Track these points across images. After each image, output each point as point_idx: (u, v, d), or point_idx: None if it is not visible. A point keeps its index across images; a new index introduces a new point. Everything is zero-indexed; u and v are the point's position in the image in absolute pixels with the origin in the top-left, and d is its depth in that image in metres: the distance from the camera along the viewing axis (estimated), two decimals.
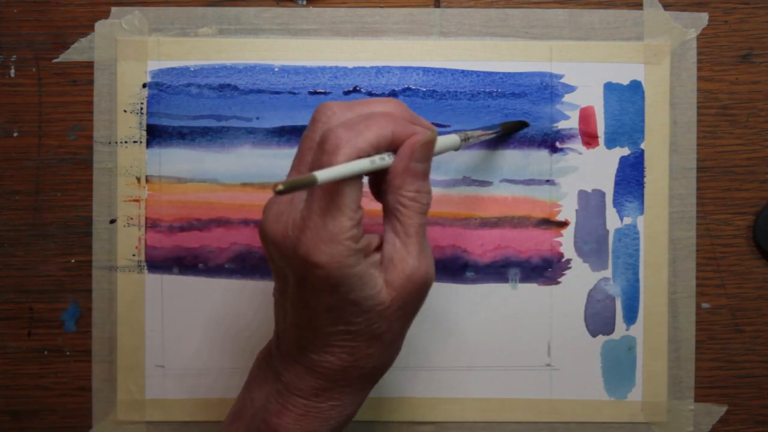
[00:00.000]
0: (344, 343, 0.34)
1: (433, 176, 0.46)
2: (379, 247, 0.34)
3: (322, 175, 0.29)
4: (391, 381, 0.46)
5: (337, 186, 0.31)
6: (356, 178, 0.32)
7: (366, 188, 0.34)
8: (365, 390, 0.37)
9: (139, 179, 0.46)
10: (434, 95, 0.47)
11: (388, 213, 0.34)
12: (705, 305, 0.47)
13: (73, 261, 0.47)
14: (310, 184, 0.29)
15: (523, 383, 0.47)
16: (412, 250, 0.33)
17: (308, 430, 0.35)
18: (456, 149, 0.38)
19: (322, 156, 0.31)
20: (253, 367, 0.38)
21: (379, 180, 0.35)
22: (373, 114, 0.33)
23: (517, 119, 0.46)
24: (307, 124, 0.34)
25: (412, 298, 0.34)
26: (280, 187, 0.28)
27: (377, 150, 0.32)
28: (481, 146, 0.47)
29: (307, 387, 0.35)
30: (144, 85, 0.46)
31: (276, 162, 0.46)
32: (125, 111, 0.46)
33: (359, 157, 0.31)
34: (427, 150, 0.33)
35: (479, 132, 0.41)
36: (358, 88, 0.46)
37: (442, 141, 0.37)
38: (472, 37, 0.47)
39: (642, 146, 0.47)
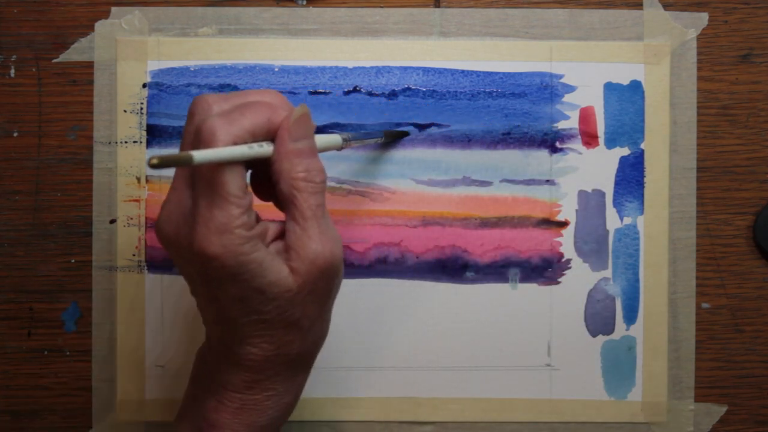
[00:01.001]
0: (262, 333, 0.34)
1: (433, 176, 0.46)
2: (283, 235, 0.34)
3: (199, 155, 0.29)
4: (390, 381, 0.46)
5: (218, 175, 0.31)
6: (237, 165, 0.32)
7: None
8: (298, 376, 0.37)
9: (139, 179, 0.46)
10: (434, 95, 0.47)
11: (284, 201, 0.34)
12: (705, 305, 0.47)
13: (73, 261, 0.47)
14: (186, 162, 0.29)
15: (523, 383, 0.47)
16: (312, 233, 0.33)
17: (247, 423, 0.35)
18: (338, 149, 0.39)
19: (199, 146, 0.31)
20: (193, 365, 0.38)
21: (262, 178, 0.35)
22: (249, 103, 0.33)
23: (401, 129, 0.47)
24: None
25: (321, 282, 0.34)
26: (155, 160, 0.28)
27: (254, 137, 0.32)
28: (481, 146, 0.47)
29: (238, 381, 0.35)
30: (144, 85, 0.46)
31: None
32: (125, 111, 0.46)
33: (236, 143, 0.31)
34: (303, 125, 0.33)
35: (362, 138, 0.42)
36: (358, 88, 0.46)
37: (325, 139, 0.37)
38: (472, 37, 0.47)
39: (642, 146, 0.47)
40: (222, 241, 0.31)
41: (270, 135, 0.33)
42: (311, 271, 0.33)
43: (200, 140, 0.31)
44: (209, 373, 0.36)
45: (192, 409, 0.37)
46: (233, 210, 0.31)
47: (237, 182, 0.31)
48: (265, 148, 0.33)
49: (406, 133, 0.46)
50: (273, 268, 0.32)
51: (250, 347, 0.34)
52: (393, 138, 0.46)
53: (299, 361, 0.36)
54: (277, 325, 0.34)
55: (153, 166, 0.27)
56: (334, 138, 0.38)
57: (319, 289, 0.34)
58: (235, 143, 0.31)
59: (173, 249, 0.33)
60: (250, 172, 0.36)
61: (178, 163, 0.29)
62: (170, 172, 0.46)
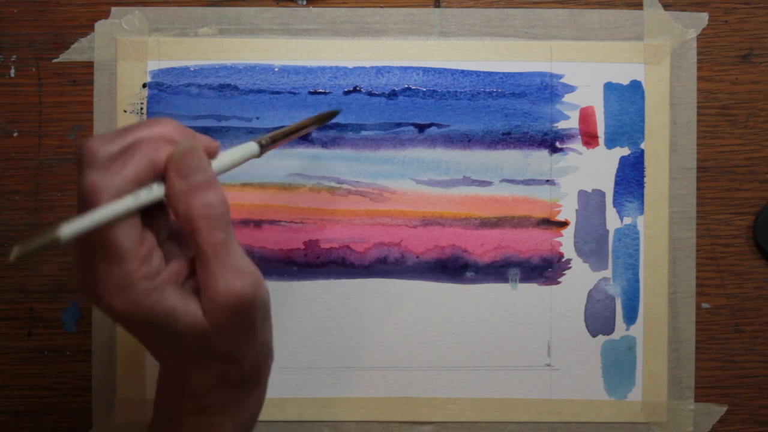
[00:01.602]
0: (195, 366, 0.33)
1: (433, 176, 0.46)
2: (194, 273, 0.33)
3: (67, 230, 0.27)
4: (390, 381, 0.46)
5: (107, 234, 0.29)
6: (128, 217, 0.30)
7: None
8: (250, 395, 0.36)
9: None
10: (434, 95, 0.47)
11: (188, 239, 0.32)
12: (705, 305, 0.47)
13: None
14: (54, 244, 0.27)
15: (523, 383, 0.47)
16: (216, 272, 0.31)
17: None
18: (257, 156, 0.36)
19: (85, 206, 0.30)
20: (155, 390, 0.38)
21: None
22: (134, 144, 0.31)
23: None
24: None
25: (237, 318, 0.32)
26: (15, 253, 0.26)
27: (141, 183, 0.31)
28: (481, 146, 0.47)
29: (190, 407, 0.34)
30: (144, 85, 0.46)
31: (276, 162, 0.46)
32: (125, 111, 0.46)
33: (121, 195, 0.30)
34: (191, 161, 0.31)
35: (286, 135, 0.39)
36: (358, 88, 0.46)
37: (238, 152, 0.35)
38: (472, 37, 0.47)
39: (642, 146, 0.47)
40: (126, 297, 0.30)
41: (159, 175, 0.31)
42: (223, 311, 0.32)
43: (85, 202, 0.30)
44: (164, 402, 0.36)
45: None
46: (130, 265, 0.30)
47: (129, 235, 0.30)
48: (154, 192, 0.31)
49: (336, 112, 0.44)
50: (185, 312, 0.31)
51: (192, 379, 0.34)
52: (323, 121, 0.44)
53: (245, 382, 0.35)
54: (208, 359, 0.33)
55: (13, 261, 0.26)
56: (249, 146, 0.35)
57: (238, 324, 0.32)
58: (120, 195, 0.30)
59: (84, 297, 0.32)
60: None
61: (44, 247, 0.27)
62: None
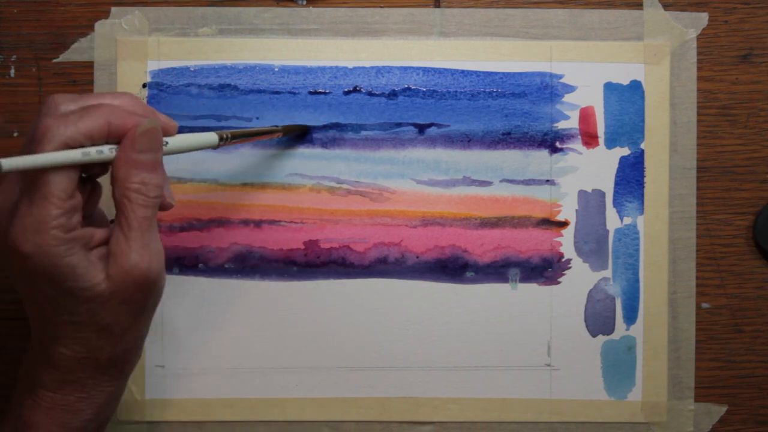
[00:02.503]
0: (72, 334, 0.34)
1: (433, 176, 0.46)
2: (108, 241, 0.34)
3: (8, 163, 0.29)
4: (391, 381, 0.46)
5: (42, 175, 0.31)
6: (67, 167, 0.31)
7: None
8: (111, 382, 0.37)
9: None
10: (434, 95, 0.47)
11: (116, 206, 0.34)
12: (705, 305, 0.47)
13: None
14: None
15: (523, 383, 0.47)
16: (134, 244, 0.33)
17: (60, 423, 0.35)
18: (214, 148, 0.38)
19: (31, 145, 0.31)
20: (21, 365, 0.38)
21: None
22: (94, 105, 0.33)
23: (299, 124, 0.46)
24: None
25: (136, 293, 0.34)
26: None
27: (93, 141, 0.32)
28: (481, 146, 0.47)
29: (50, 380, 0.35)
30: (144, 85, 0.46)
31: (276, 162, 0.46)
32: None
33: (68, 146, 0.31)
34: (149, 139, 0.33)
35: (250, 135, 0.41)
36: (358, 88, 0.46)
37: (196, 138, 0.37)
38: (472, 37, 0.47)
39: (642, 146, 0.47)
40: (35, 239, 0.31)
41: (112, 139, 0.33)
42: (126, 281, 0.33)
43: (33, 139, 0.31)
44: (27, 372, 0.36)
45: (13, 408, 0.37)
46: (52, 210, 0.31)
47: (62, 184, 0.31)
48: (105, 154, 0.32)
49: (306, 128, 0.46)
50: (87, 273, 0.32)
51: (61, 347, 0.34)
52: (292, 133, 0.45)
53: (110, 366, 0.36)
54: (88, 328, 0.34)
55: None
56: (209, 136, 0.37)
57: (134, 299, 0.34)
58: (69, 146, 0.31)
59: None
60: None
61: None
62: (172, 171, 0.46)
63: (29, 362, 0.36)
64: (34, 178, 0.31)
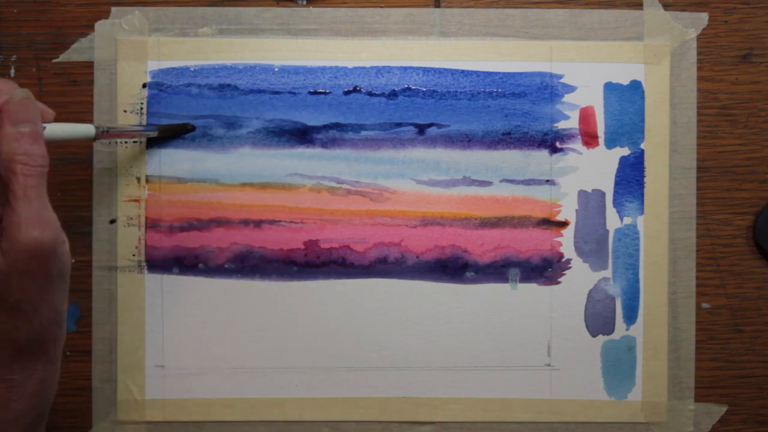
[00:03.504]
0: None
1: (433, 176, 0.46)
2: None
3: None
4: (390, 381, 0.46)
5: None
6: None
7: None
8: (37, 365, 0.36)
9: (139, 179, 0.46)
10: (434, 95, 0.47)
11: (2, 183, 0.34)
12: (705, 305, 0.47)
13: (73, 261, 0.47)
14: None
15: (523, 383, 0.47)
16: (22, 213, 0.33)
17: None
18: (91, 139, 0.40)
19: None
20: None
21: None
22: None
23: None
24: None
25: (35, 263, 0.33)
26: None
27: None
28: (481, 146, 0.47)
29: None
30: (144, 85, 0.46)
31: (276, 162, 0.46)
32: (125, 111, 0.46)
33: None
34: (25, 109, 0.34)
35: (127, 131, 0.43)
36: (358, 88, 0.46)
37: (73, 127, 0.38)
38: (472, 37, 0.47)
39: (642, 146, 0.47)
40: None
41: None
42: (20, 252, 0.33)
43: None
44: None
45: None
46: None
47: None
48: None
49: (185, 127, 0.46)
50: None
51: None
52: (170, 133, 0.46)
53: (31, 347, 0.35)
54: None
55: None
56: (86, 127, 0.39)
57: (34, 270, 0.33)
58: None
59: None
60: None
61: None
62: (172, 171, 0.46)
63: None
64: None
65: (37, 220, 0.33)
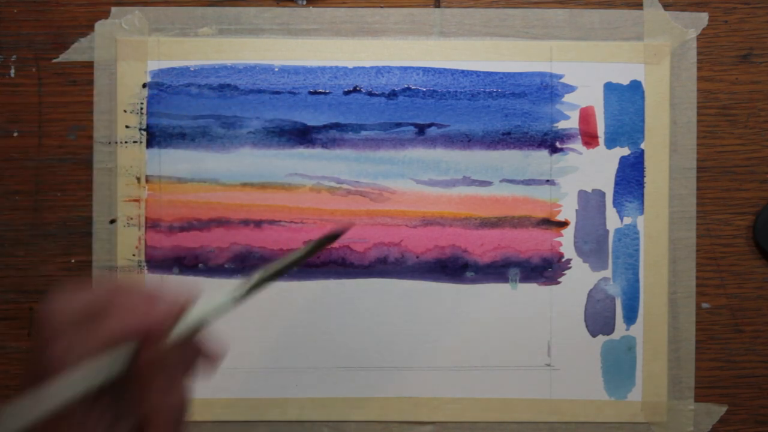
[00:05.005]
0: None
1: (433, 176, 0.46)
2: None
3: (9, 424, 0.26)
4: (390, 381, 0.46)
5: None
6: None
7: None
8: None
9: (139, 179, 0.46)
10: (434, 95, 0.47)
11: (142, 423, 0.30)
12: (705, 305, 0.47)
13: (73, 261, 0.47)
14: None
15: (523, 383, 0.47)
16: None
17: None
18: (233, 306, 0.32)
19: (35, 380, 0.28)
20: None
21: None
22: (98, 313, 0.29)
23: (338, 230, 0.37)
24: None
25: None
26: None
27: (103, 353, 0.29)
28: (481, 146, 0.47)
29: None
30: (144, 85, 0.46)
31: (276, 162, 0.46)
32: (125, 111, 0.46)
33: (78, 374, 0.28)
34: (160, 360, 0.29)
35: (273, 271, 0.33)
36: (358, 88, 0.46)
37: (209, 305, 0.31)
38: (472, 37, 0.47)
39: (642, 146, 0.47)
40: None
41: (119, 343, 0.29)
42: None
43: (39, 372, 0.28)
44: None
45: None
46: None
47: (79, 417, 0.28)
48: (110, 373, 0.29)
49: (334, 237, 0.37)
50: None
51: None
52: (318, 248, 0.35)
53: None
54: None
55: None
56: (220, 302, 0.32)
57: None
58: (77, 373, 0.28)
59: None
60: None
61: None
62: (172, 171, 0.46)
63: None
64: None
65: None
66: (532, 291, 0.47)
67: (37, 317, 0.29)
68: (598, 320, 0.47)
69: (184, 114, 0.46)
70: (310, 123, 0.46)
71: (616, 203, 0.47)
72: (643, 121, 0.47)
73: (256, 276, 0.32)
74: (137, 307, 0.29)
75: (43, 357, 0.28)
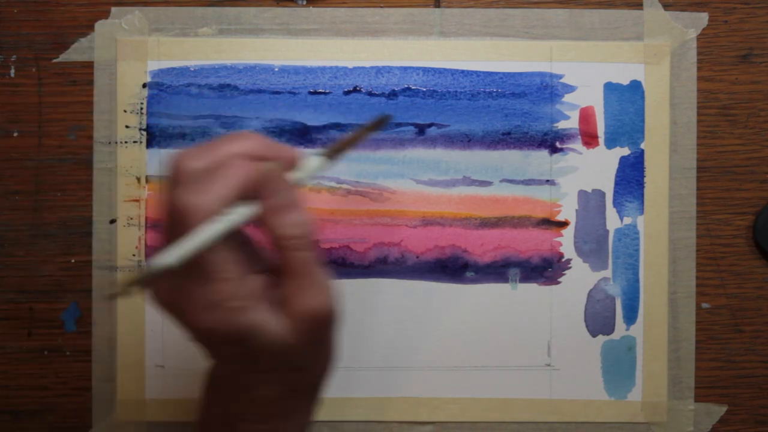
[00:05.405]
0: (267, 378, 0.34)
1: (433, 176, 0.46)
2: (271, 283, 0.33)
3: (161, 262, 0.28)
4: (391, 381, 0.46)
5: (203, 254, 0.30)
6: (225, 237, 0.31)
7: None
8: (313, 400, 0.37)
9: (139, 179, 0.46)
10: (434, 95, 0.47)
11: (276, 254, 0.33)
12: (705, 305, 0.47)
13: (73, 261, 0.47)
14: (168, 271, 0.27)
15: (523, 383, 0.47)
16: (304, 288, 0.32)
17: None
18: (325, 168, 0.36)
19: (176, 227, 0.30)
20: (202, 391, 0.38)
21: None
22: (222, 163, 0.32)
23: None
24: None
25: (318, 332, 0.33)
26: (117, 290, 0.27)
27: (233, 201, 0.31)
28: (481, 146, 0.47)
29: (251, 415, 0.35)
30: (144, 85, 0.46)
31: None
32: (125, 111, 0.46)
33: (213, 216, 0.30)
34: (279, 183, 0.32)
35: (350, 138, 0.36)
36: (358, 88, 0.46)
37: (306, 166, 0.34)
38: (472, 37, 0.47)
39: (642, 146, 0.47)
40: (212, 317, 0.31)
41: (247, 194, 0.32)
42: (306, 325, 0.33)
43: (175, 222, 0.30)
44: (220, 404, 0.36)
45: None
46: (221, 286, 0.31)
47: (223, 256, 0.31)
48: (243, 213, 0.32)
49: (387, 117, 0.39)
50: (268, 327, 0.32)
51: (260, 390, 0.34)
52: (379, 124, 0.39)
53: (310, 392, 0.36)
54: (283, 370, 0.34)
55: (112, 298, 0.26)
56: (314, 161, 0.35)
57: (317, 337, 0.34)
58: (212, 215, 0.30)
59: (168, 315, 0.33)
60: None
61: (141, 283, 0.27)
62: None
63: (223, 399, 0.35)
64: (196, 259, 0.30)
65: (318, 292, 0.33)
66: (532, 291, 0.47)
67: (170, 167, 0.31)
68: (598, 320, 0.47)
69: (184, 114, 0.46)
70: (310, 123, 0.46)
71: (616, 203, 0.47)
72: (643, 121, 0.47)
73: (338, 143, 0.36)
74: (249, 164, 0.32)
75: (178, 204, 0.30)
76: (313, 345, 0.34)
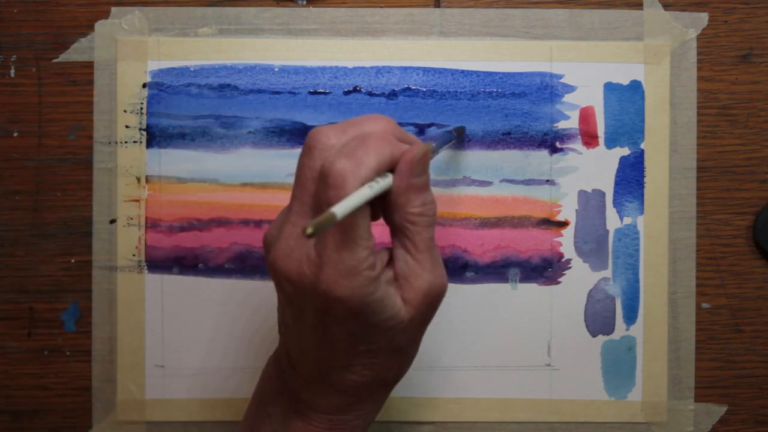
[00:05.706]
0: (366, 361, 0.34)
1: (433, 176, 0.46)
2: (389, 262, 0.34)
3: (340, 211, 0.29)
4: None
5: (348, 219, 0.31)
6: (364, 206, 0.31)
7: None
8: (386, 395, 0.38)
9: (139, 179, 0.46)
10: (434, 95, 0.47)
11: (397, 231, 0.34)
12: (705, 305, 0.47)
13: (73, 261, 0.47)
14: (332, 223, 0.28)
15: (523, 383, 0.47)
16: (426, 265, 0.33)
17: None
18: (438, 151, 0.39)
19: (328, 191, 0.31)
20: (263, 381, 0.38)
21: (377, 201, 0.34)
22: (367, 137, 0.32)
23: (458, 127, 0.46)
24: (302, 151, 0.33)
25: (430, 311, 0.34)
26: (310, 230, 0.27)
27: (378, 174, 0.32)
28: (481, 146, 0.47)
29: (331, 404, 0.35)
30: (144, 85, 0.46)
31: (276, 162, 0.46)
32: (125, 111, 0.46)
33: (363, 185, 0.31)
34: (424, 163, 0.33)
35: (440, 143, 0.40)
36: (358, 88, 0.46)
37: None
38: (472, 37, 0.47)
39: (642, 146, 0.47)
40: (350, 284, 0.31)
41: (389, 167, 0.33)
42: (423, 302, 0.33)
43: (329, 185, 0.31)
44: (291, 393, 0.36)
45: (266, 427, 0.37)
46: (362, 253, 0.31)
47: (365, 224, 0.31)
48: (381, 183, 0.32)
49: (461, 129, 0.46)
50: (390, 303, 0.33)
51: (352, 374, 0.34)
52: (461, 135, 0.46)
53: (393, 382, 0.37)
54: (383, 353, 0.34)
55: (309, 236, 0.27)
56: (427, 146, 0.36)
57: (426, 317, 0.34)
58: (363, 185, 0.31)
59: (291, 286, 0.33)
60: None
61: (328, 225, 0.28)
62: (172, 171, 0.46)
63: (297, 386, 0.36)
64: (341, 224, 0.31)
65: (437, 269, 0.34)
66: (532, 291, 0.47)
67: (309, 138, 0.33)
68: (598, 320, 0.47)
69: (184, 114, 0.46)
70: (310, 123, 0.46)
71: (616, 203, 0.47)
72: (643, 121, 0.47)
73: (437, 140, 0.39)
74: (394, 140, 0.33)
75: (336, 168, 0.31)
76: (420, 325, 0.34)
